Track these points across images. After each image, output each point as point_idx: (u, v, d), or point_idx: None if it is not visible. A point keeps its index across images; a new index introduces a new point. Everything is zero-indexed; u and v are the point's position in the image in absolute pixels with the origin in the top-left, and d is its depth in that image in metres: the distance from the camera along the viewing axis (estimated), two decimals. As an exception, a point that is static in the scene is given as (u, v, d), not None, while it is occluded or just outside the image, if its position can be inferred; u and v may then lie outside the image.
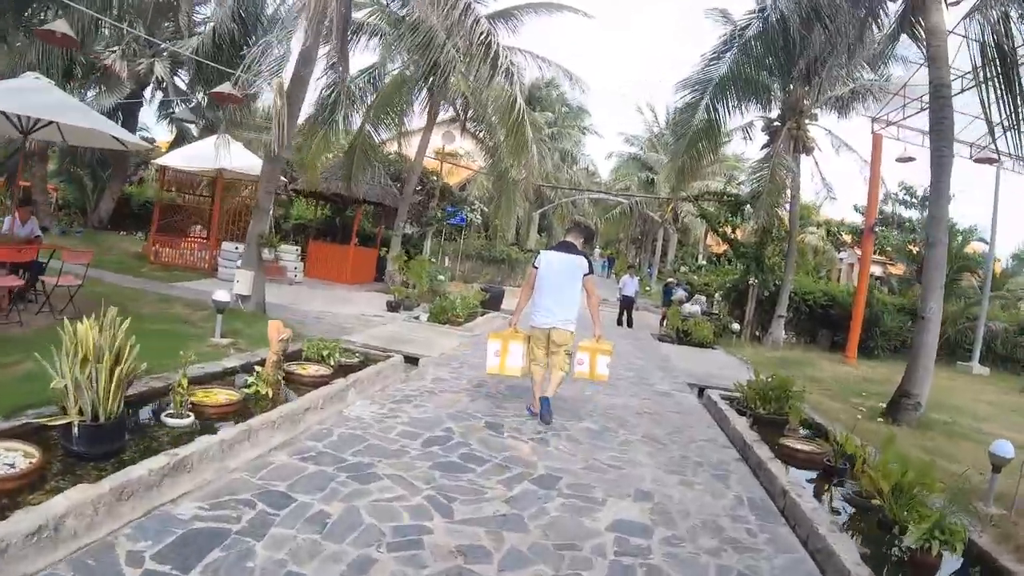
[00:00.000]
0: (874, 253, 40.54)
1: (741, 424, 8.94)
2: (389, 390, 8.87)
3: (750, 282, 21.91)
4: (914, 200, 39.18)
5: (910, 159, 20.81)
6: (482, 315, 18.59)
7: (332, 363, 9.02)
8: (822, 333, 23.29)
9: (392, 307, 17.33)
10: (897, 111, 20.47)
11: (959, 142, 20.85)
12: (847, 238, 42.47)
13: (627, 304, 23.23)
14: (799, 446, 8.11)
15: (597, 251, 77.44)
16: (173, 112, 29.91)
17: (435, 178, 31.25)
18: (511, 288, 30.55)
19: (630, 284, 23.41)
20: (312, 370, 8.60)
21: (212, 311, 10.64)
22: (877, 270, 46.08)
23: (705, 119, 17.32)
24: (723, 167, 42.71)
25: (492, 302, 20.68)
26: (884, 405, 11.93)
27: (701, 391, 12.15)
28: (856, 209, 40.34)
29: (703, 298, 26.69)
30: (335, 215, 27.07)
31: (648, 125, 50.44)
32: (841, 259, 45.86)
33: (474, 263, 34.14)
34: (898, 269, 42.85)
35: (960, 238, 25.33)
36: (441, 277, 21.73)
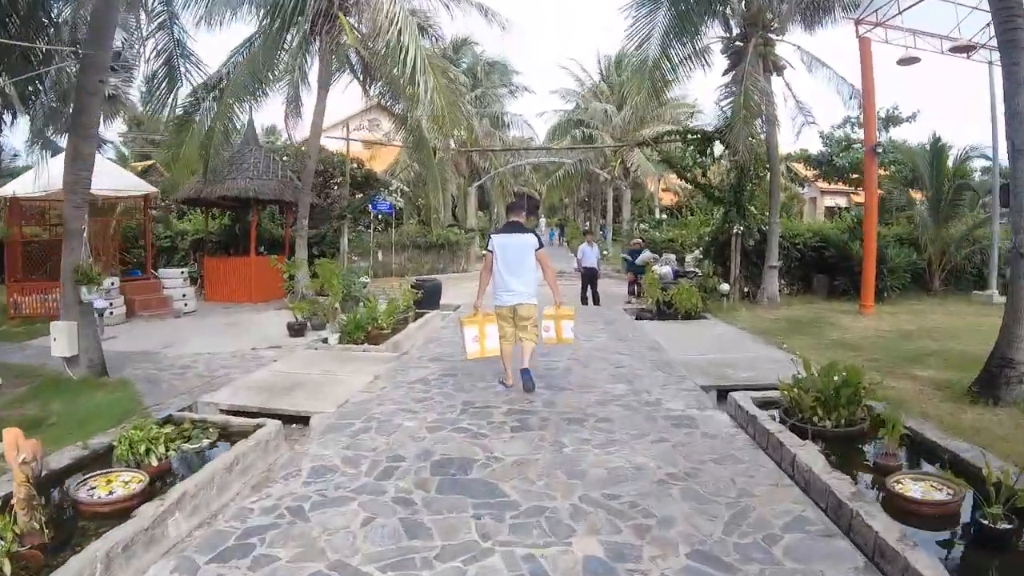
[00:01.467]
0: (835, 181, 37.55)
1: (814, 461, 5.57)
2: (230, 511, 5.08)
3: (733, 231, 18.28)
4: (877, 122, 35.71)
5: (914, 60, 17.20)
6: (416, 319, 14.84)
7: (155, 462, 5.52)
8: (818, 279, 19.95)
9: (295, 330, 13.50)
10: (888, 4, 16.80)
11: (938, 36, 17.63)
12: (808, 172, 39.07)
13: (590, 277, 19.48)
14: (916, 491, 4.96)
15: (543, 221, 74.01)
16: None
17: (355, 165, 27.61)
18: (455, 276, 27.27)
19: (590, 253, 19.52)
20: (118, 486, 5.11)
21: (45, 380, 8.51)
22: (841, 201, 43.11)
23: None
24: (670, 110, 39.02)
25: (428, 300, 16.92)
26: (962, 375, 9.01)
27: (720, 393, 8.67)
28: (821, 136, 36.56)
29: (672, 256, 23.26)
30: (235, 223, 22.98)
31: (580, 80, 46.62)
32: (802, 194, 42.71)
33: (411, 252, 30.41)
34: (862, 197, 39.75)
35: (954, 154, 21.93)
36: (365, 279, 17.92)
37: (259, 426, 6.78)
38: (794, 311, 16.64)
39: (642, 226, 35.45)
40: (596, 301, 19.14)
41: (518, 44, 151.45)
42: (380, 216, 29.31)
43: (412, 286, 16.59)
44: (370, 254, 28.20)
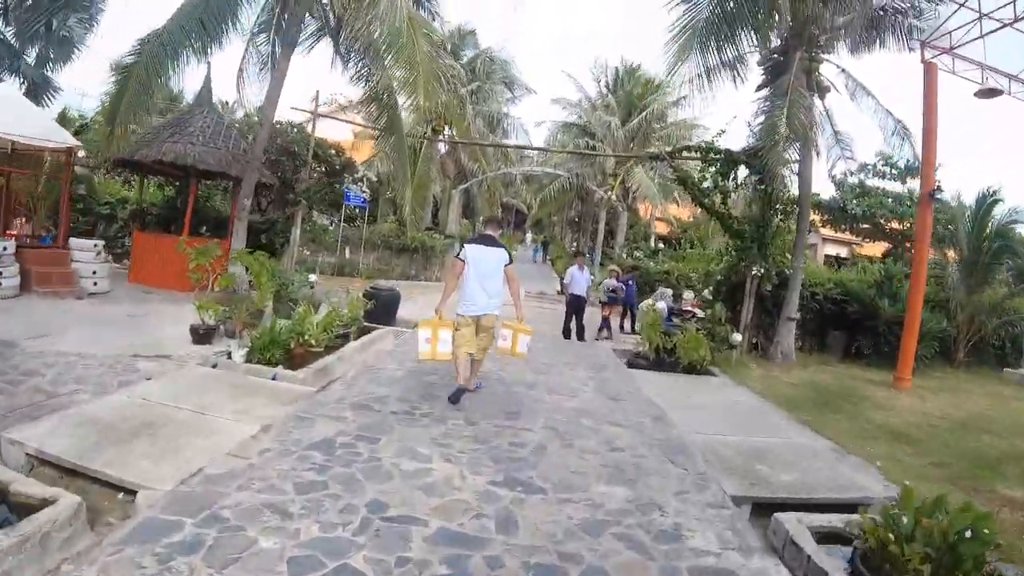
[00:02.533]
0: (843, 229, 35.17)
1: None
2: None
3: (753, 272, 15.52)
4: (895, 171, 33.39)
5: (995, 92, 14.51)
6: (360, 336, 11.99)
7: None
8: (833, 336, 17.38)
9: (200, 336, 10.55)
10: (964, 27, 14.24)
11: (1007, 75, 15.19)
12: (815, 217, 36.52)
13: (576, 307, 16.48)
14: None
15: (529, 236, 71.24)
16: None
17: (333, 151, 24.90)
18: (425, 284, 24.76)
19: (580, 278, 16.60)
20: None
21: None
22: (842, 251, 40.87)
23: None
24: (683, 130, 36.30)
25: (383, 312, 14.07)
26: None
27: (756, 506, 6.06)
28: (833, 181, 33.93)
29: (668, 291, 20.60)
30: (179, 195, 20.00)
31: (582, 89, 43.28)
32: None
33: (381, 253, 27.64)
34: (871, 249, 37.49)
35: (997, 215, 19.32)
36: (312, 277, 15.14)
37: (48, 503, 4.21)
38: (814, 375, 14.01)
39: (636, 254, 32.66)
40: (580, 336, 16.23)
41: (519, 28, 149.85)
42: (356, 209, 26.81)
43: (364, 294, 13.81)
44: (337, 250, 25.52)
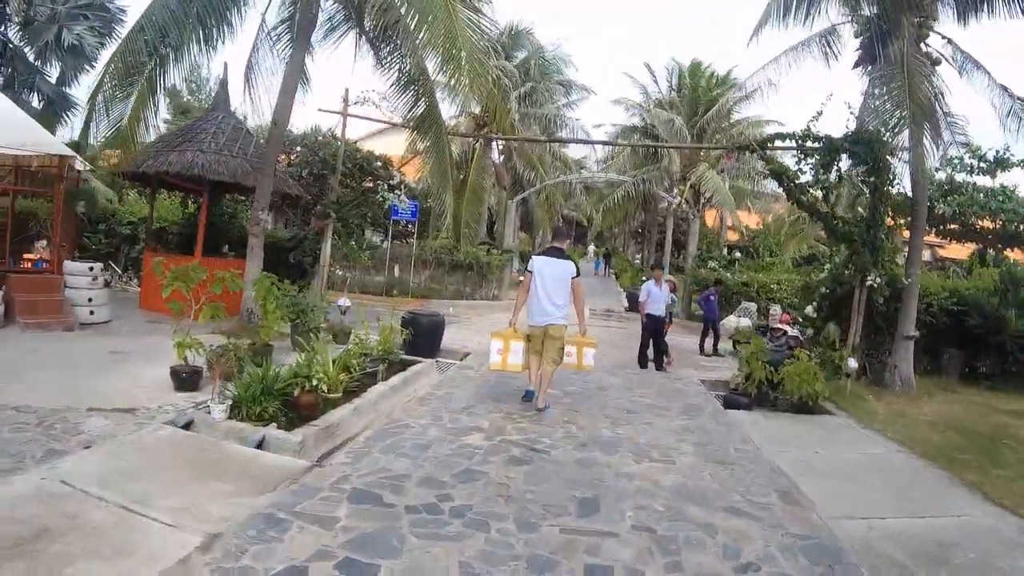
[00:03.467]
0: (928, 232, 32.34)
1: None
2: None
3: (869, 282, 12.92)
4: (983, 164, 30.50)
5: None
6: (391, 374, 9.69)
7: None
8: (949, 355, 14.88)
9: (182, 380, 8.32)
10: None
11: None
12: (896, 220, 33.69)
13: (654, 330, 13.91)
14: None
15: (591, 248, 68.71)
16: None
17: (379, 163, 23.04)
18: (481, 303, 23.25)
19: (658, 295, 13.93)
20: None
21: None
22: (925, 255, 37.89)
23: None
24: (750, 128, 33.70)
25: (423, 342, 11.83)
26: None
27: None
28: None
29: (752, 306, 18.24)
30: (199, 211, 18.09)
31: (644, 90, 40.59)
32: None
33: (433, 271, 25.80)
34: (956, 251, 34.55)
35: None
36: (344, 301, 13.07)
37: None
38: (946, 408, 11.51)
39: (711, 264, 30.16)
40: (659, 364, 13.71)
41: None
42: (407, 225, 24.91)
43: (402, 322, 11.59)
44: (385, 268, 23.91)
